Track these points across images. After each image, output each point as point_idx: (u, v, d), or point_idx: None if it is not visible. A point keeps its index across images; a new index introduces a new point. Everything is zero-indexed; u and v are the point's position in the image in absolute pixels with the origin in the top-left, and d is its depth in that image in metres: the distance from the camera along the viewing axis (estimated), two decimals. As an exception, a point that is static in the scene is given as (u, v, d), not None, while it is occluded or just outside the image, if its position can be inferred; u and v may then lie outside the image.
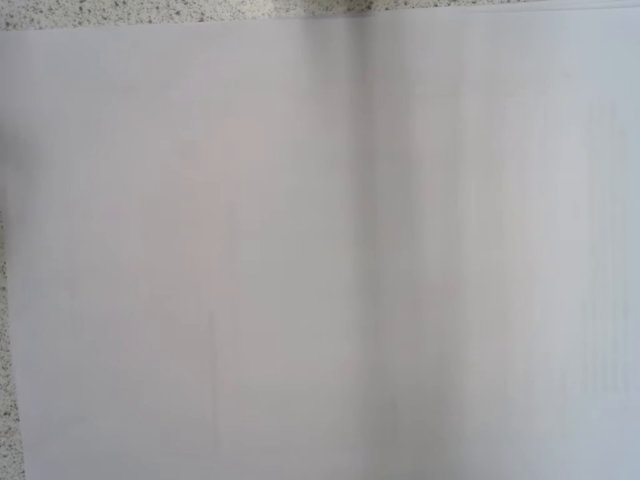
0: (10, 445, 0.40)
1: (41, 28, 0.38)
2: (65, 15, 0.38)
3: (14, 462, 0.40)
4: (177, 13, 0.38)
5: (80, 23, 0.38)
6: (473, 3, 0.37)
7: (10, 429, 0.39)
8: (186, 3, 0.38)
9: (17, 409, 0.39)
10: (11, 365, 0.39)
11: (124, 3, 0.38)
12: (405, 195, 0.37)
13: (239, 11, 0.37)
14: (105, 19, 0.38)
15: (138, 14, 0.38)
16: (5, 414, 0.39)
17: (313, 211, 0.38)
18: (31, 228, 0.38)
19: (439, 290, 0.38)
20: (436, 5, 0.37)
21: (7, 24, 0.38)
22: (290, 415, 0.38)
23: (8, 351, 0.39)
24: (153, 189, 0.38)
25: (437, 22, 0.37)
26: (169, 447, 0.38)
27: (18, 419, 0.39)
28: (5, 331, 0.39)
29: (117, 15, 0.38)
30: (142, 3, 0.38)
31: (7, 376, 0.39)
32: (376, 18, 0.37)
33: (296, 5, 0.37)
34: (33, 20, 0.38)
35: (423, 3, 0.37)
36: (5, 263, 0.38)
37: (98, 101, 0.37)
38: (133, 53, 0.37)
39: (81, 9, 0.38)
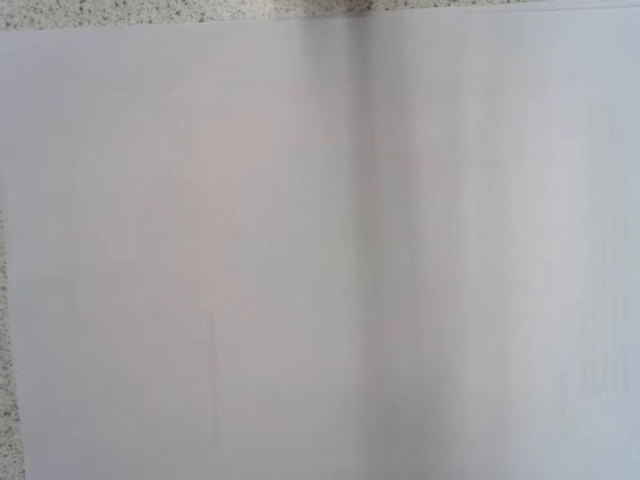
0: (10, 445, 0.40)
1: (41, 28, 0.38)
2: (65, 15, 0.38)
3: (14, 462, 0.40)
4: (177, 13, 0.38)
5: (80, 23, 0.38)
6: (473, 3, 0.37)
7: (10, 428, 0.39)
8: (186, 3, 0.38)
9: (17, 408, 0.39)
10: (11, 365, 0.39)
11: (124, 3, 0.38)
12: (405, 195, 0.37)
13: (239, 11, 0.37)
14: (105, 19, 0.38)
15: (138, 14, 0.38)
16: (5, 414, 0.39)
17: (313, 211, 0.38)
18: (30, 228, 0.38)
19: (439, 290, 0.38)
20: (436, 5, 0.37)
21: (7, 24, 0.38)
22: (290, 416, 0.38)
23: (8, 350, 0.39)
24: (153, 189, 0.38)
25: (437, 22, 0.37)
26: (169, 447, 0.38)
27: (18, 419, 0.39)
28: (5, 331, 0.39)
29: (117, 15, 0.38)
30: (142, 3, 0.38)
31: (7, 376, 0.39)
32: (376, 18, 0.37)
33: (296, 5, 0.37)
34: (33, 20, 0.38)
35: (422, 3, 0.37)
36: (5, 263, 0.38)
37: (98, 101, 0.37)
38: (133, 53, 0.37)
39: (81, 9, 0.38)
